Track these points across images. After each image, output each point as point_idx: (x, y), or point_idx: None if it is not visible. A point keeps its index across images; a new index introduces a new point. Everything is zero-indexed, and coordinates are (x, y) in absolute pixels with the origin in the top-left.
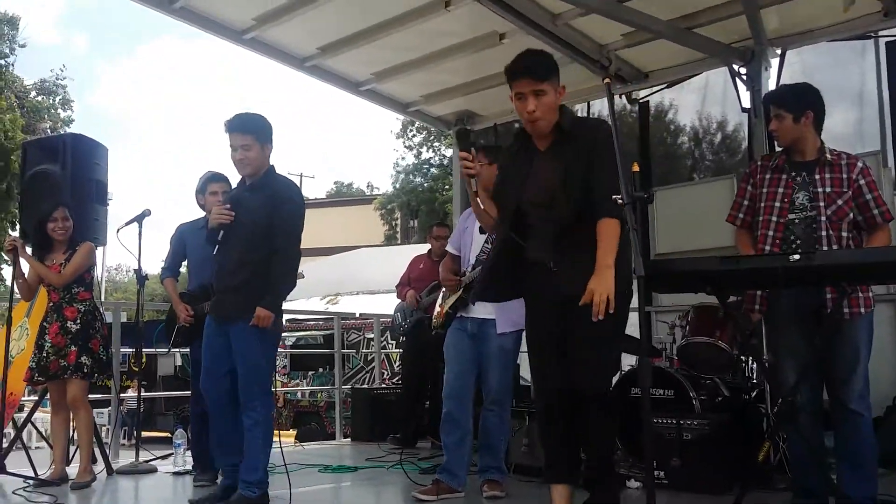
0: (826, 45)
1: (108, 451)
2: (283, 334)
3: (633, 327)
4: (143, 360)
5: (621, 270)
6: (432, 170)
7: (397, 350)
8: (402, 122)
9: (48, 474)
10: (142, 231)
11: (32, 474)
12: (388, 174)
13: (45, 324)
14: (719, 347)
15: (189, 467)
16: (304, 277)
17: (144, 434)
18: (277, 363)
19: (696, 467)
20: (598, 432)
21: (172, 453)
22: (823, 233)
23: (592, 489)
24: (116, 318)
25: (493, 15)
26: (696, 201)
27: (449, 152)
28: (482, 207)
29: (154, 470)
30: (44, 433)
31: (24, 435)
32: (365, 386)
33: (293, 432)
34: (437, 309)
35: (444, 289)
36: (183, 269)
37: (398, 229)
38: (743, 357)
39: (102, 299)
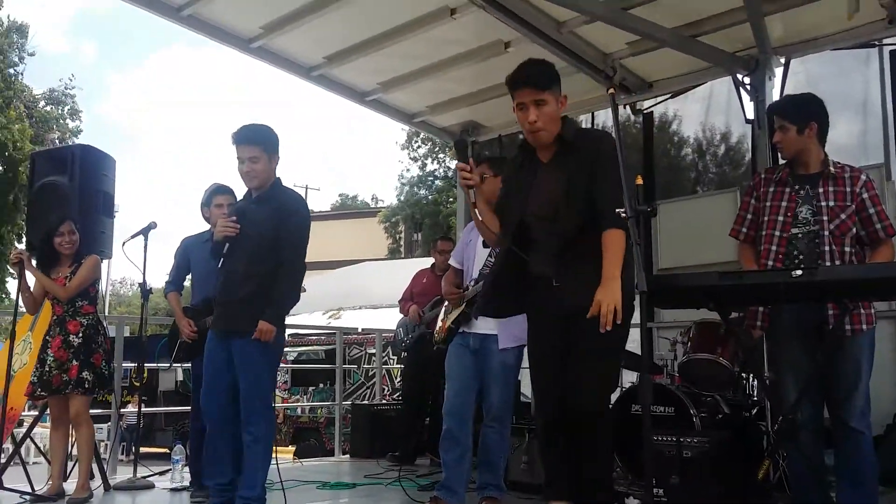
0: (830, 54)
1: (105, 466)
2: (285, 349)
3: (634, 343)
4: (145, 375)
5: (624, 284)
6: (437, 182)
7: (399, 366)
8: (408, 133)
9: (45, 490)
10: (147, 244)
11: (29, 490)
12: (393, 185)
13: (47, 337)
14: (721, 364)
15: (187, 483)
16: (305, 291)
17: (143, 450)
18: (278, 378)
19: (696, 485)
20: (594, 451)
21: (170, 469)
22: (826, 248)
23: None
24: (119, 333)
25: (499, 23)
26: (699, 215)
27: (453, 164)
28: (480, 219)
29: (151, 486)
30: (42, 448)
31: (23, 450)
32: (365, 402)
33: (292, 448)
34: (440, 324)
35: (446, 303)
36: (187, 283)
37: (402, 242)
38: (744, 374)
39: (106, 313)
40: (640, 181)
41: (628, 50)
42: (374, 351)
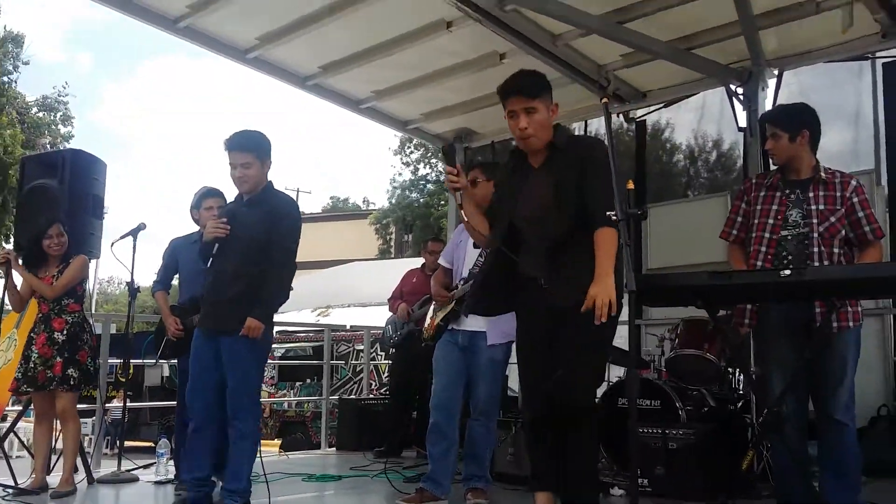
0: (823, 66)
1: (89, 460)
2: (272, 345)
3: (622, 340)
4: (131, 371)
5: (617, 286)
6: (429, 185)
7: (386, 361)
8: (401, 138)
9: (28, 483)
10: (136, 245)
11: (12, 483)
12: (385, 190)
13: (32, 335)
14: (707, 359)
15: (171, 476)
16: (293, 290)
17: (128, 444)
18: (265, 374)
19: (681, 476)
20: (581, 445)
21: (155, 462)
22: (815, 249)
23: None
24: (106, 330)
25: (494, 35)
26: (689, 218)
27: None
28: (467, 220)
29: (136, 479)
30: (25, 442)
31: (6, 444)
32: (353, 396)
33: (278, 442)
34: (428, 321)
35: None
36: (175, 283)
37: (392, 244)
38: (730, 369)
39: (93, 311)
40: (631, 186)
41: (622, 62)
42: (361, 347)
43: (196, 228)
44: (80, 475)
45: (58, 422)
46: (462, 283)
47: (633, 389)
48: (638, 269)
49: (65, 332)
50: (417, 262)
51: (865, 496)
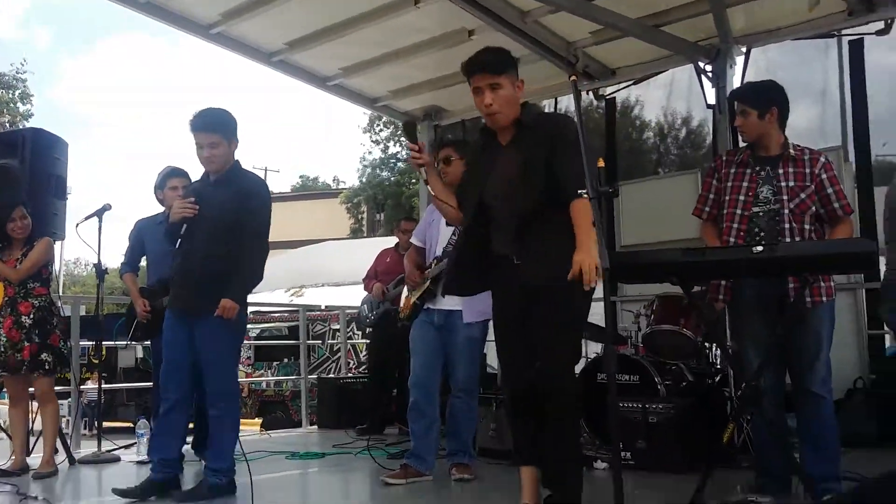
0: (791, 44)
1: (69, 441)
2: (248, 326)
3: (598, 317)
4: (104, 352)
5: None
6: (399, 164)
7: (364, 341)
8: (370, 116)
9: (9, 465)
10: (101, 226)
11: None
12: (355, 169)
13: None
14: (684, 335)
15: None
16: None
17: (106, 424)
18: (241, 354)
19: (662, 449)
20: (561, 420)
21: (135, 443)
22: (786, 225)
23: (553, 488)
24: (75, 312)
25: (463, 12)
26: (660, 195)
27: None
28: (434, 194)
29: (117, 459)
30: (2, 424)
31: None
32: (331, 375)
33: (258, 421)
34: (403, 301)
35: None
36: (143, 264)
37: (364, 223)
38: (707, 344)
39: (60, 293)
40: (601, 164)
41: (591, 39)
42: (337, 327)
43: (161, 209)
44: (61, 456)
45: (34, 403)
46: (436, 262)
47: (611, 364)
48: (611, 246)
49: (32, 315)
50: (390, 241)
51: (844, 466)
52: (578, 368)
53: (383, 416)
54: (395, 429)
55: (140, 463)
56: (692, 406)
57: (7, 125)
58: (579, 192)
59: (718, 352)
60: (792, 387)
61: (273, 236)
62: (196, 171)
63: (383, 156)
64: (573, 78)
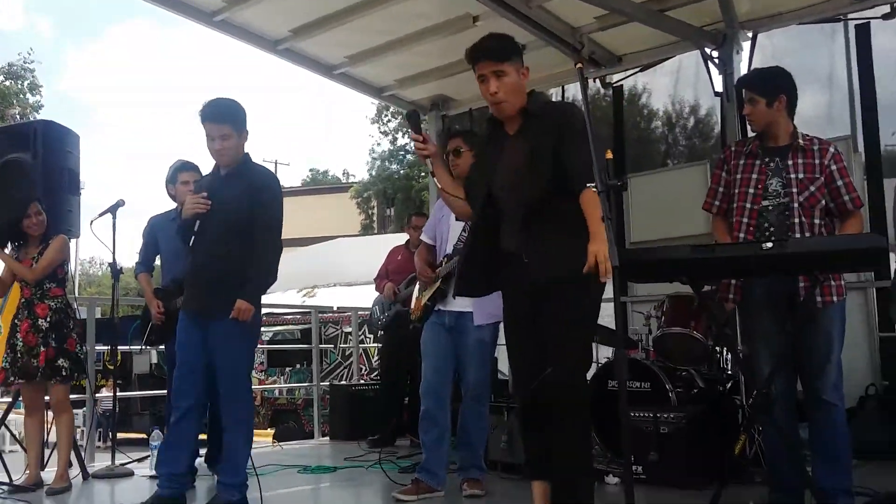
0: (796, 28)
1: (83, 454)
2: (261, 328)
3: (608, 318)
4: (119, 358)
5: None
6: (408, 156)
7: (375, 344)
8: (377, 107)
9: (23, 479)
10: (116, 222)
11: (7, 480)
12: (364, 160)
13: (16, 321)
14: (694, 338)
15: None
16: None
17: (120, 435)
18: (255, 359)
19: (674, 461)
20: (572, 427)
21: (149, 455)
22: (796, 219)
23: (559, 492)
24: (91, 315)
25: None
26: (670, 188)
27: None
28: (440, 186)
29: (131, 473)
30: (17, 436)
31: None
32: (343, 382)
33: (271, 431)
34: (414, 301)
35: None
36: (157, 262)
37: (375, 218)
38: (718, 348)
39: (76, 294)
40: (610, 155)
41: (597, 24)
42: (350, 330)
43: (172, 205)
44: (75, 470)
45: (49, 413)
46: (446, 259)
47: (622, 372)
48: (621, 242)
49: (48, 318)
50: (402, 238)
51: (857, 479)
52: (589, 374)
53: (395, 427)
54: (406, 440)
55: (153, 477)
56: (704, 415)
57: (18, 117)
58: (588, 185)
59: (729, 356)
60: (803, 394)
61: (285, 233)
62: (206, 165)
63: (392, 147)
64: (579, 65)
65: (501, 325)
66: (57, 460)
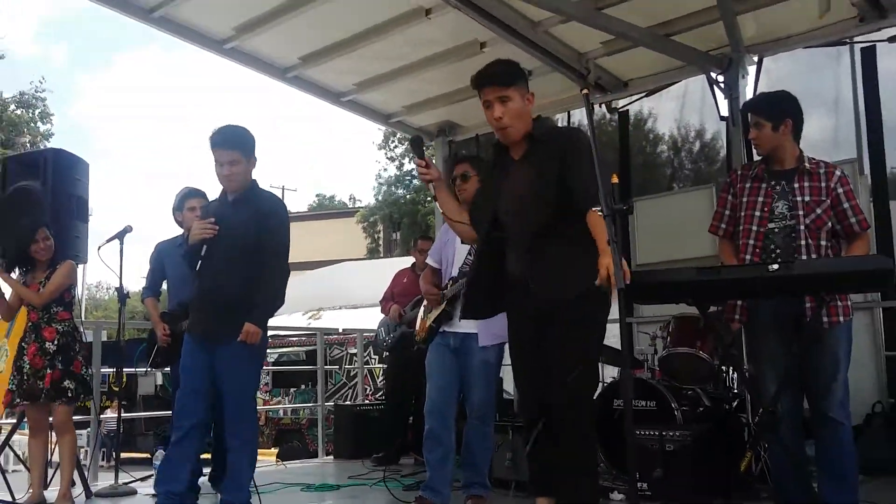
0: (802, 52)
1: (86, 473)
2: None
3: (614, 338)
4: (124, 379)
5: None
6: (415, 181)
7: (380, 365)
8: (384, 132)
9: (26, 499)
10: (123, 248)
11: (10, 499)
12: (371, 186)
13: (23, 344)
14: (700, 358)
15: None
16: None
17: (124, 455)
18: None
19: (679, 478)
20: (577, 447)
21: (152, 475)
22: (803, 241)
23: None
24: (97, 338)
25: (474, 23)
26: (675, 211)
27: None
28: (442, 211)
29: (134, 492)
30: (21, 456)
31: (1, 458)
32: (348, 402)
33: (275, 451)
34: (419, 323)
35: (425, 302)
36: (164, 287)
37: (381, 242)
38: (724, 367)
39: (83, 318)
40: (615, 180)
41: (603, 49)
42: (355, 351)
43: (179, 231)
44: (78, 489)
45: (53, 434)
46: (452, 282)
47: (627, 390)
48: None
49: (56, 341)
50: (407, 261)
51: (864, 496)
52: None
53: (400, 446)
54: (410, 459)
55: (155, 496)
56: (709, 433)
57: (28, 145)
58: (593, 209)
59: (735, 375)
60: (810, 412)
61: (291, 257)
62: (213, 192)
63: (398, 173)
64: (585, 91)
65: (506, 346)
66: (60, 480)
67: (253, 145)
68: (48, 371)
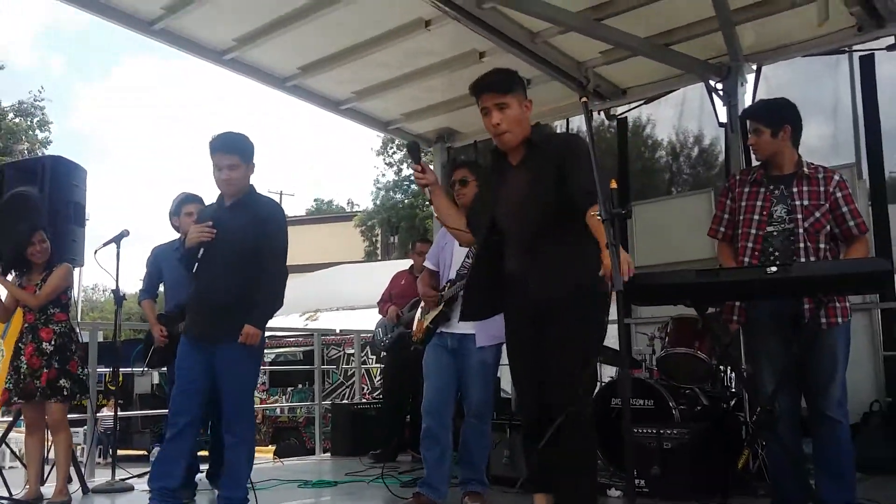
0: (801, 60)
1: (83, 470)
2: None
3: (612, 339)
4: (120, 379)
5: (598, 279)
6: (412, 186)
7: (378, 365)
8: (383, 139)
9: (23, 495)
10: (119, 252)
11: (7, 495)
12: (369, 191)
13: (20, 345)
14: (698, 358)
15: None
16: None
17: (121, 452)
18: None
19: (677, 476)
20: (576, 446)
21: (149, 471)
22: (801, 245)
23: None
24: (93, 338)
25: (473, 34)
26: (674, 215)
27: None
28: (436, 215)
29: (131, 488)
30: (17, 453)
31: None
32: (345, 401)
33: (272, 448)
34: (416, 324)
35: (423, 304)
36: (161, 290)
37: (378, 246)
38: (721, 367)
39: (79, 319)
40: (614, 185)
41: (602, 58)
42: (352, 351)
43: (176, 235)
44: (75, 485)
45: (49, 432)
46: (449, 284)
47: (625, 388)
48: None
49: (53, 342)
50: (405, 263)
51: (861, 493)
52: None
53: (397, 443)
54: (408, 456)
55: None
56: (707, 431)
57: (26, 152)
58: (593, 208)
59: (733, 375)
60: (807, 411)
61: (288, 260)
62: (209, 198)
63: (397, 178)
64: (584, 100)
65: (503, 346)
66: (56, 476)
67: (252, 151)
68: (45, 370)
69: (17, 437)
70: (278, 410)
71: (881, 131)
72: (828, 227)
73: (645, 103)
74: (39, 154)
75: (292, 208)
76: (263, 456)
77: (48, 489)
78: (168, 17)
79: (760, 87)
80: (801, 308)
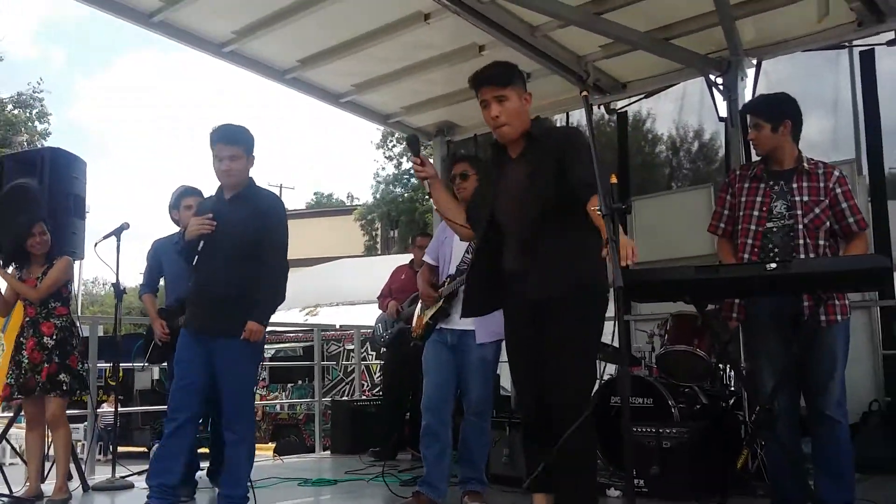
0: (801, 55)
1: (83, 467)
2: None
3: (611, 336)
4: (121, 374)
5: (598, 276)
6: (412, 180)
7: (377, 362)
8: (383, 132)
9: (23, 492)
10: (120, 245)
11: (7, 492)
12: (369, 185)
13: (21, 339)
14: (697, 356)
15: None
16: None
17: (121, 449)
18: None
19: (676, 475)
20: (575, 451)
21: (149, 468)
22: (801, 241)
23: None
24: (93, 333)
25: (473, 27)
26: (674, 210)
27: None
28: (436, 208)
29: (131, 486)
30: (18, 449)
31: None
32: (345, 398)
33: (272, 445)
34: (416, 320)
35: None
36: (162, 284)
37: (378, 240)
38: (721, 365)
39: (79, 313)
40: (614, 180)
41: (602, 52)
42: (352, 347)
43: (176, 229)
44: (75, 482)
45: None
46: (449, 280)
47: (625, 387)
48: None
49: (54, 336)
50: (405, 258)
51: (860, 493)
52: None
53: (397, 441)
54: (407, 454)
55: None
56: (706, 430)
57: (25, 144)
58: (593, 207)
59: (732, 373)
60: (806, 410)
61: (288, 254)
62: (209, 191)
63: (397, 172)
64: (584, 94)
65: (503, 343)
66: (55, 473)
67: (252, 143)
68: (45, 365)
69: (18, 434)
70: (278, 407)
71: (881, 127)
72: (827, 224)
73: (645, 97)
74: (38, 146)
75: (292, 202)
76: (263, 453)
77: (48, 486)
78: (167, 9)
79: (760, 81)
80: (800, 305)
